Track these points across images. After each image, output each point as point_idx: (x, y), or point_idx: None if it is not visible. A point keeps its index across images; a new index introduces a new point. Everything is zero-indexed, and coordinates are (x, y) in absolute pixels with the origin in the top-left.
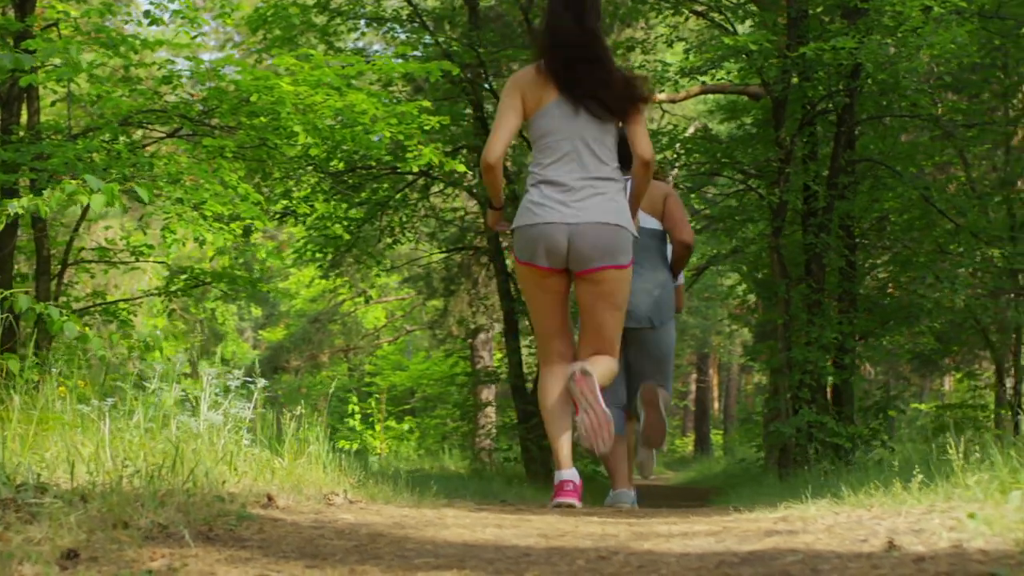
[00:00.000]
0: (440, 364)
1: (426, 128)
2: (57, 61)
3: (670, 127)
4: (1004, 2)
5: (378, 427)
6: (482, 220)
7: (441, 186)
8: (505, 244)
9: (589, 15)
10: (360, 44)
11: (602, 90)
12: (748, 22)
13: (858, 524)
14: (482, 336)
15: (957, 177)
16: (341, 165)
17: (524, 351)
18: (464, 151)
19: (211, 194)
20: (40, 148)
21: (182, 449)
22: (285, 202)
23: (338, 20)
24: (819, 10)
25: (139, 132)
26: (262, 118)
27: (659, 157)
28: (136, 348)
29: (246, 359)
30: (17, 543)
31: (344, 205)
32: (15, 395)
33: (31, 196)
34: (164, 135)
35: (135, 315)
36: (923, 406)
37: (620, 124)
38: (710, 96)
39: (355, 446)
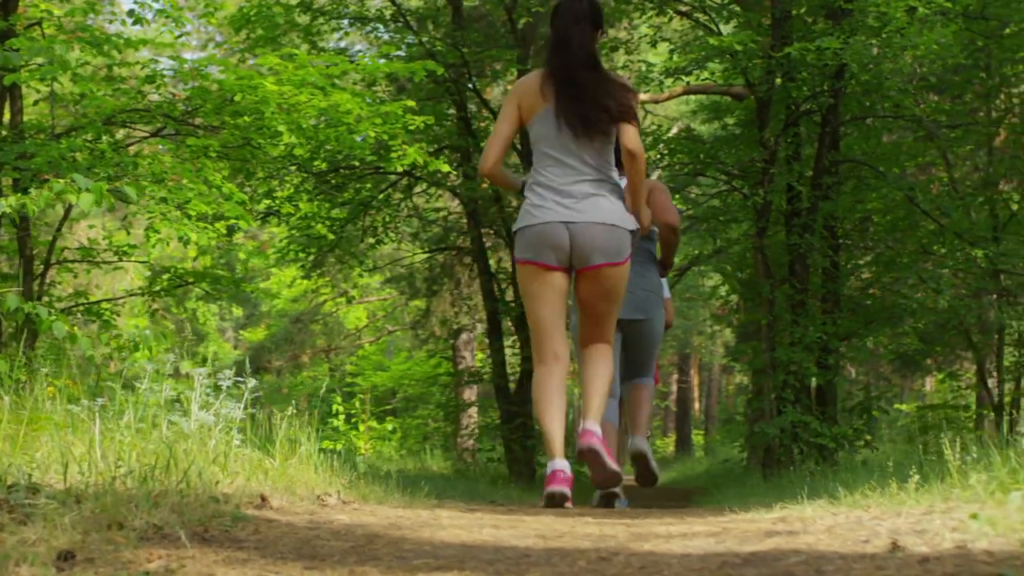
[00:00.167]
0: (422, 364)
1: (411, 128)
2: (40, 60)
3: (653, 127)
4: (989, 3)
5: (362, 427)
6: (465, 220)
7: (424, 186)
8: (488, 244)
9: (589, 23)
10: (343, 44)
11: (596, 97)
12: (732, 22)
13: (858, 525)
14: (464, 336)
15: (940, 178)
16: (324, 165)
17: (507, 351)
18: (447, 151)
19: (195, 193)
20: (23, 147)
21: (175, 450)
22: (268, 202)
23: (321, 20)
24: (803, 11)
25: (122, 132)
26: (246, 117)
27: None
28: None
29: (228, 359)
30: (12, 544)
31: (327, 205)
32: (4, 395)
33: (19, 195)
34: (148, 134)
35: (118, 315)
36: (904, 406)
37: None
38: (692, 96)
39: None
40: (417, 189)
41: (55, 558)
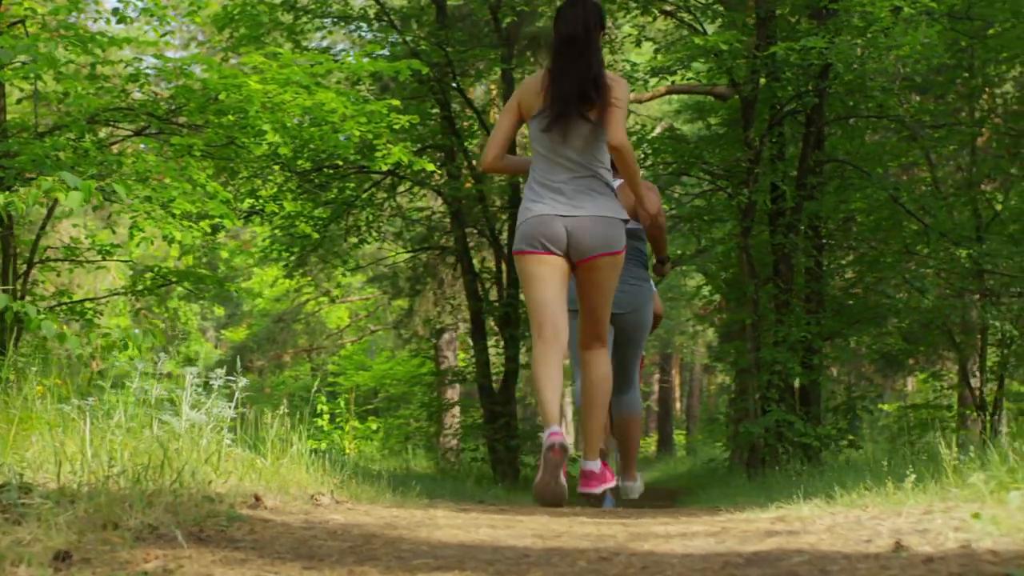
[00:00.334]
0: (403, 364)
1: (395, 127)
2: (23, 58)
3: (637, 127)
4: (974, 3)
5: (347, 427)
6: (448, 220)
7: (408, 185)
8: (472, 244)
9: (587, 22)
10: (325, 43)
11: (586, 95)
12: (717, 22)
13: (858, 524)
14: (446, 336)
15: (923, 178)
16: (307, 164)
17: (491, 351)
18: (431, 150)
19: (179, 192)
20: (7, 146)
21: (168, 449)
22: (251, 201)
23: (305, 19)
24: (786, 11)
25: (106, 130)
26: (230, 116)
27: None
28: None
29: (209, 359)
30: (7, 544)
31: (311, 205)
32: None
33: (6, 193)
34: (132, 133)
35: (100, 315)
36: (885, 406)
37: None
38: (675, 96)
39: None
40: (401, 188)
41: (51, 558)
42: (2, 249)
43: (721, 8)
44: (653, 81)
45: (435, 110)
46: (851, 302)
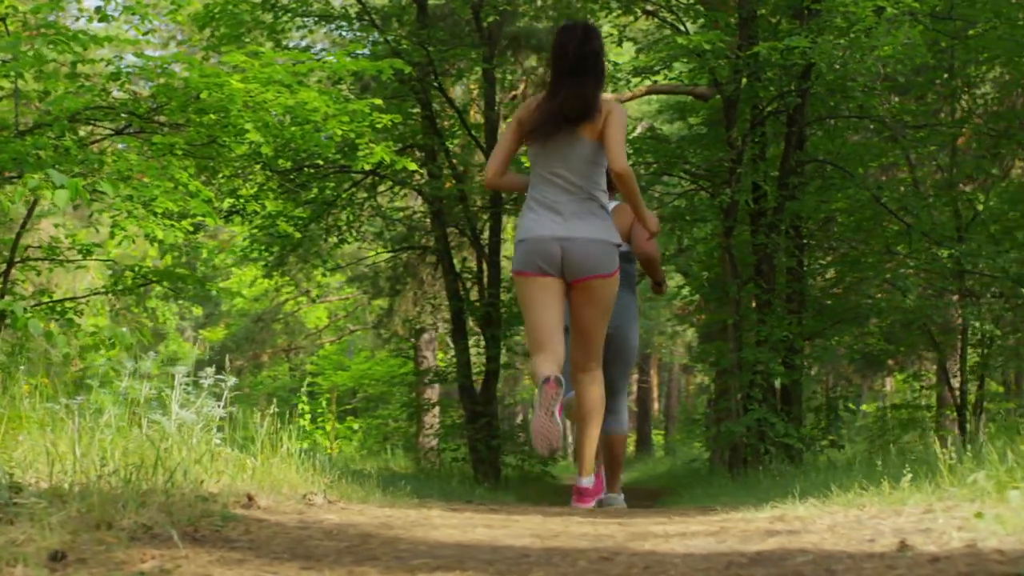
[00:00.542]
0: (382, 364)
1: (377, 126)
2: (4, 56)
3: None
4: (956, 3)
5: (328, 427)
6: (429, 220)
7: (389, 185)
8: (453, 244)
9: (582, 44)
10: (305, 43)
11: (574, 114)
12: (699, 21)
13: (859, 524)
14: (426, 336)
15: (904, 179)
16: (288, 164)
17: (472, 351)
18: (412, 149)
19: (161, 191)
20: None
21: (159, 449)
22: (232, 200)
23: (286, 18)
24: (768, 11)
25: (86, 129)
26: (211, 115)
27: None
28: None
29: (187, 359)
30: (1, 544)
31: (291, 204)
32: None
33: None
34: (113, 132)
35: (80, 314)
36: (864, 406)
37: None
38: (655, 96)
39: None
40: (381, 188)
41: (47, 558)
42: None
43: (702, 8)
44: (635, 81)
45: (416, 109)
46: (830, 302)
